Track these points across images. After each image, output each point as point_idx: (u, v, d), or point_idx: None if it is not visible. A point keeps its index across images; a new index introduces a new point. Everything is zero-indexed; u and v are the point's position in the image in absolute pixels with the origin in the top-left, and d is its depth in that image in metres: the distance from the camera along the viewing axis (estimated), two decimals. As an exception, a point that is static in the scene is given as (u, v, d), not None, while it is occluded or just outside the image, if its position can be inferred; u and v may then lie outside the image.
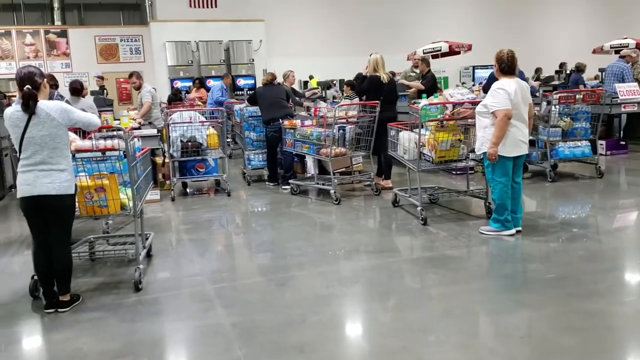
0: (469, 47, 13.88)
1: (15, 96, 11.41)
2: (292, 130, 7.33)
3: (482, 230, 5.21)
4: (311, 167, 7.94)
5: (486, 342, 3.23)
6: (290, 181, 7.49)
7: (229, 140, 10.23)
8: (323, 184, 7.10)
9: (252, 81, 15.73)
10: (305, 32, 17.43)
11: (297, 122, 7.38)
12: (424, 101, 6.12)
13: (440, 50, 13.28)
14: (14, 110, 3.69)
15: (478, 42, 14.75)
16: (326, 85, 14.54)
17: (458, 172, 7.78)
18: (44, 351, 3.45)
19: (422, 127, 5.54)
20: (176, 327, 3.59)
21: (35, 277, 3.96)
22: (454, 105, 5.66)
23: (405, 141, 5.80)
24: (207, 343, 3.31)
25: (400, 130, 5.93)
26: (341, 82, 13.55)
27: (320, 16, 17.77)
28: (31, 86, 3.65)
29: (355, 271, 4.49)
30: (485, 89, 7.60)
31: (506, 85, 4.89)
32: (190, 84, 14.28)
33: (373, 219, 6.30)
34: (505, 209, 5.04)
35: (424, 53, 12.90)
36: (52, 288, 3.82)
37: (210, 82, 14.79)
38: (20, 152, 3.70)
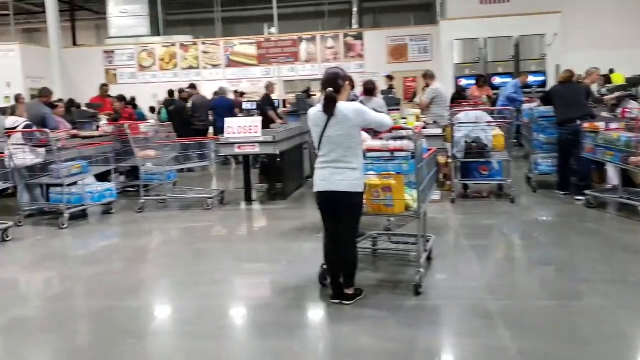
0: None
1: (315, 95, 12.70)
2: (593, 134, 6.46)
3: None
4: (613, 177, 6.90)
5: None
6: (585, 192, 6.63)
7: (514, 141, 9.62)
8: (629, 199, 6.08)
9: (543, 78, 14.58)
10: (608, 21, 15.37)
11: (601, 124, 6.47)
12: None
13: None
14: (316, 110, 3.95)
15: None
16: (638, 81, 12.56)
17: None
18: (328, 341, 3.60)
19: None
20: (455, 342, 3.41)
21: (325, 267, 4.20)
22: None
23: None
24: (489, 367, 3.05)
25: None
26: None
27: (628, 2, 15.51)
28: (333, 88, 3.85)
29: (674, 311, 3.67)
30: None
31: None
32: (473, 82, 13.89)
33: (697, 247, 5.15)
34: None
35: None
36: (339, 279, 4.00)
37: (495, 80, 14.27)
38: (319, 149, 3.95)
